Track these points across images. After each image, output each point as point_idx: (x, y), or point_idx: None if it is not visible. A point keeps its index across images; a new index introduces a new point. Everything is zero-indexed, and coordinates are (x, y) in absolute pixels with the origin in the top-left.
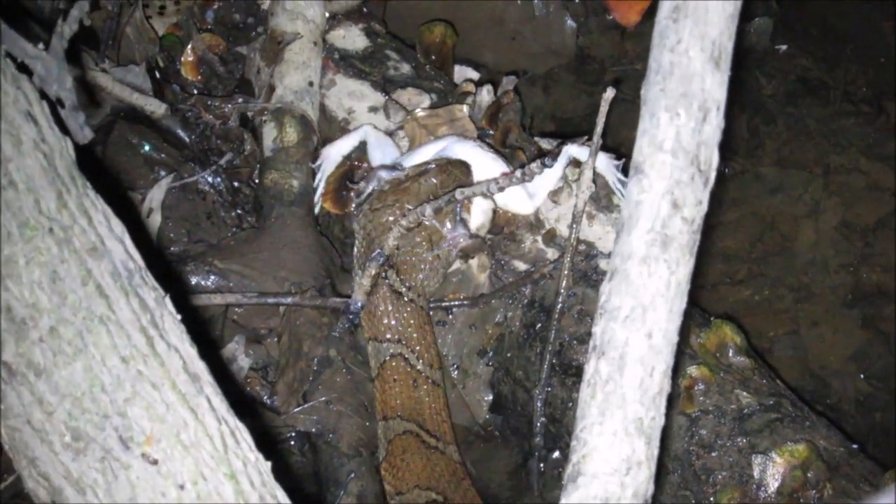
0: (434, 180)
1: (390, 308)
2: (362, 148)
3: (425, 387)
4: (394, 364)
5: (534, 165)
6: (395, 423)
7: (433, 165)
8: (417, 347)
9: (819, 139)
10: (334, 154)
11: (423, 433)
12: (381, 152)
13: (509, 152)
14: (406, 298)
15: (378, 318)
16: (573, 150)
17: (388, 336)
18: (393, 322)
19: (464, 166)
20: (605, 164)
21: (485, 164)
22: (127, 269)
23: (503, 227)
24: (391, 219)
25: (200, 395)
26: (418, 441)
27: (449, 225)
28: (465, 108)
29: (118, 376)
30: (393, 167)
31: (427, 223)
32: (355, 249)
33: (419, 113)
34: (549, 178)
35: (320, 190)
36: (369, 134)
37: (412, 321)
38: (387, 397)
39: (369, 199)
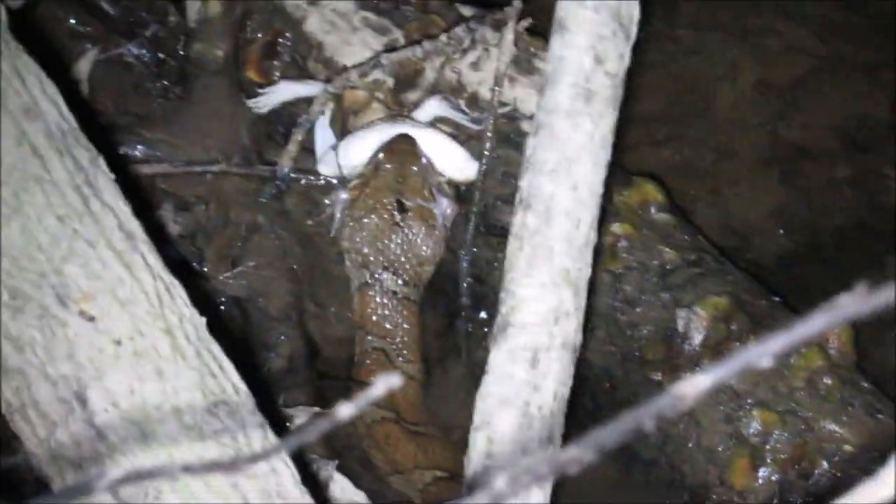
0: (389, 165)
1: (383, 309)
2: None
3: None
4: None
5: (459, 29)
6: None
7: (380, 155)
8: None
9: (735, 1)
10: (287, 92)
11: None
12: (323, 134)
13: (427, 18)
14: (400, 296)
15: (367, 316)
16: (435, 107)
17: (375, 331)
18: (384, 322)
19: (406, 139)
20: (442, 108)
21: (427, 136)
22: (61, 130)
23: None
24: (375, 219)
25: (135, 252)
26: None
27: (433, 200)
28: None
29: (54, 235)
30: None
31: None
32: (347, 264)
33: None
34: (454, 147)
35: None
36: (321, 120)
37: (400, 320)
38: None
39: (343, 219)
